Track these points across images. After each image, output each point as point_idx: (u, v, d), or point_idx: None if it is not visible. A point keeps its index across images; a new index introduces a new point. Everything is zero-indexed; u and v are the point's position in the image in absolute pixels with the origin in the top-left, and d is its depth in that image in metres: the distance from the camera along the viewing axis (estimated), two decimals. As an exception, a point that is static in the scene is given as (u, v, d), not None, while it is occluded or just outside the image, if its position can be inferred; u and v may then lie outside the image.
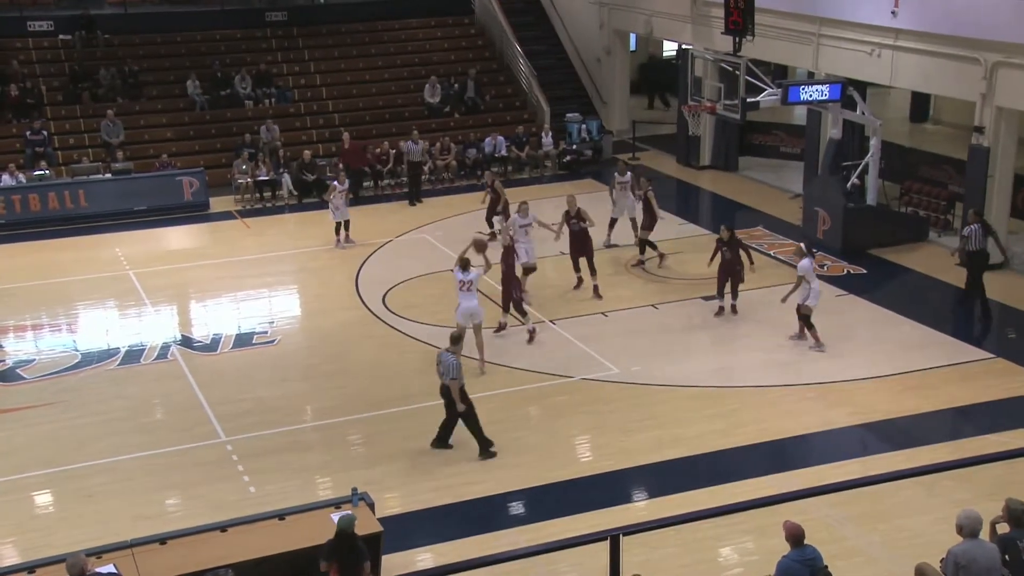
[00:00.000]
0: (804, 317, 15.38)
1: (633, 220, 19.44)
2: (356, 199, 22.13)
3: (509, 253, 16.00)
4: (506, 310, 16.10)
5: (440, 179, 24.43)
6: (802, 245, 15.74)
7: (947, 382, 14.40)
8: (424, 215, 22.11)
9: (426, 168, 24.07)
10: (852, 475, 11.71)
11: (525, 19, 29.26)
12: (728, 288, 16.63)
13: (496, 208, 20.38)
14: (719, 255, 16.58)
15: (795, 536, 8.27)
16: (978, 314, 16.73)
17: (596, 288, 17.51)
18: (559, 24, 29.55)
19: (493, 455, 12.53)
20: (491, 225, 20.39)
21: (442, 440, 12.70)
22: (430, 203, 22.96)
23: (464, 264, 14.89)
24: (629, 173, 19.70)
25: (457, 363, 12.36)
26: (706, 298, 17.35)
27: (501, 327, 16.06)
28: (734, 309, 16.72)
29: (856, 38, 20.09)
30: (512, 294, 15.93)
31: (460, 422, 12.62)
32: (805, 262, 15.25)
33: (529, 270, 17.29)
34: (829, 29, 20.78)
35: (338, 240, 20.22)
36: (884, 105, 28.11)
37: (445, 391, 12.51)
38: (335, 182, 20.47)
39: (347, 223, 20.26)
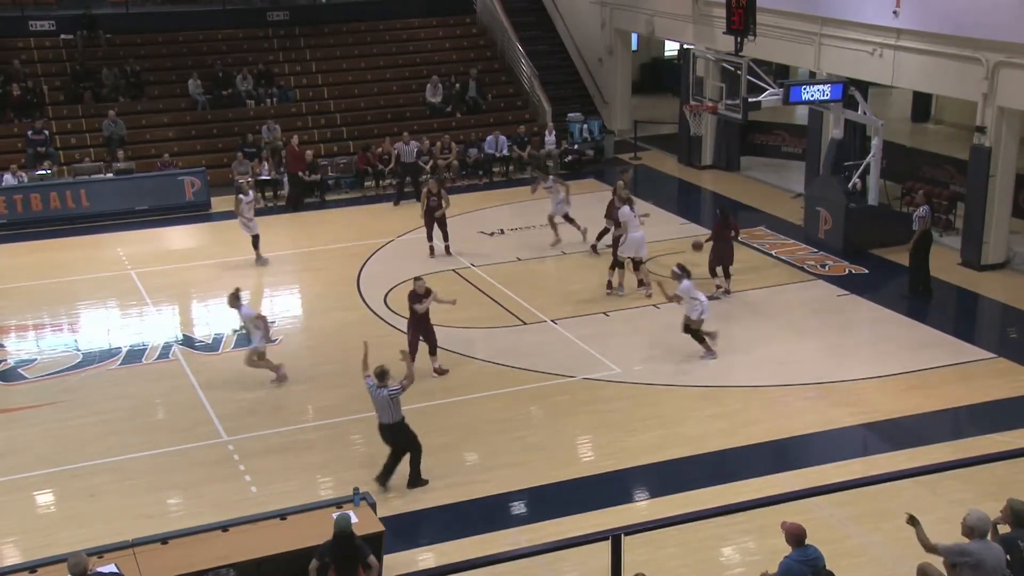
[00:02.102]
0: (694, 332, 15.04)
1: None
2: (323, 203, 22.39)
3: None
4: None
5: (442, 179, 24.43)
6: (675, 269, 15.21)
7: (948, 382, 14.39)
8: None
9: (427, 167, 23.97)
10: (854, 475, 11.70)
11: (527, 19, 29.25)
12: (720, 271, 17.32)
13: (438, 215, 18.99)
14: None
15: (796, 536, 8.26)
16: (922, 290, 17.20)
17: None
18: (561, 24, 29.54)
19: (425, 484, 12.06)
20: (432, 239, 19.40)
21: (387, 476, 11.79)
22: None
23: (232, 300, 14.59)
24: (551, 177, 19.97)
25: (390, 397, 11.56)
26: (709, 297, 17.36)
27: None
28: (727, 291, 17.25)
29: (858, 38, 20.08)
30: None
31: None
32: (685, 284, 14.88)
33: (639, 262, 17.31)
34: (831, 29, 20.76)
35: (258, 256, 19.37)
36: (886, 105, 28.10)
37: (388, 430, 11.70)
38: (241, 194, 19.20)
39: (256, 238, 19.07)
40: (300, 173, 22.93)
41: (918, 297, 17.24)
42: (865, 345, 15.75)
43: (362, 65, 27.37)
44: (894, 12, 18.91)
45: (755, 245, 19.87)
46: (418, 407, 13.90)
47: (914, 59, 19.14)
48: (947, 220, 20.51)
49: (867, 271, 18.65)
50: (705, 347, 15.09)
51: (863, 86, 20.46)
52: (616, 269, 17.49)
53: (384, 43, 28.05)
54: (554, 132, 25.59)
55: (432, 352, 14.78)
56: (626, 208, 16.99)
